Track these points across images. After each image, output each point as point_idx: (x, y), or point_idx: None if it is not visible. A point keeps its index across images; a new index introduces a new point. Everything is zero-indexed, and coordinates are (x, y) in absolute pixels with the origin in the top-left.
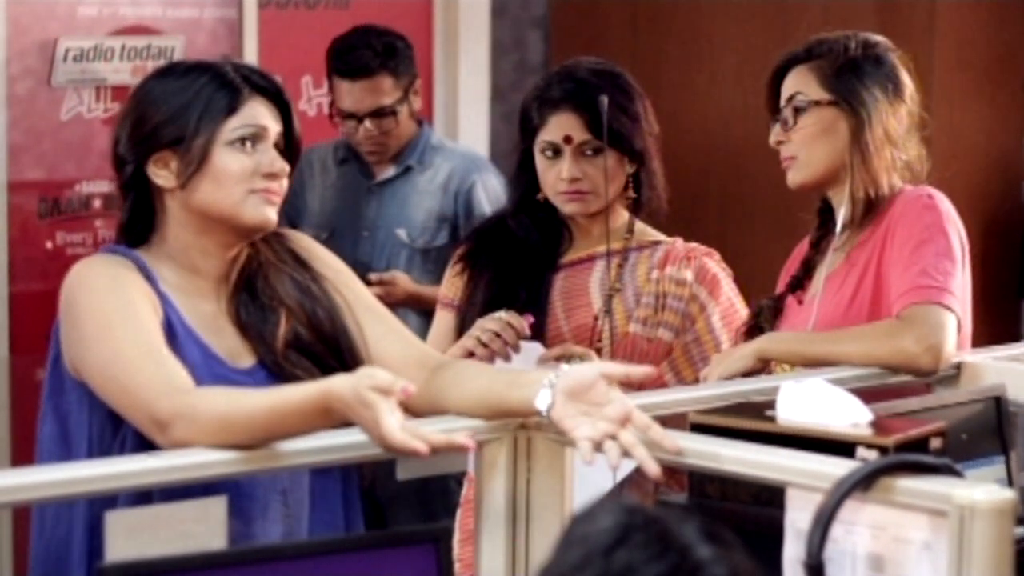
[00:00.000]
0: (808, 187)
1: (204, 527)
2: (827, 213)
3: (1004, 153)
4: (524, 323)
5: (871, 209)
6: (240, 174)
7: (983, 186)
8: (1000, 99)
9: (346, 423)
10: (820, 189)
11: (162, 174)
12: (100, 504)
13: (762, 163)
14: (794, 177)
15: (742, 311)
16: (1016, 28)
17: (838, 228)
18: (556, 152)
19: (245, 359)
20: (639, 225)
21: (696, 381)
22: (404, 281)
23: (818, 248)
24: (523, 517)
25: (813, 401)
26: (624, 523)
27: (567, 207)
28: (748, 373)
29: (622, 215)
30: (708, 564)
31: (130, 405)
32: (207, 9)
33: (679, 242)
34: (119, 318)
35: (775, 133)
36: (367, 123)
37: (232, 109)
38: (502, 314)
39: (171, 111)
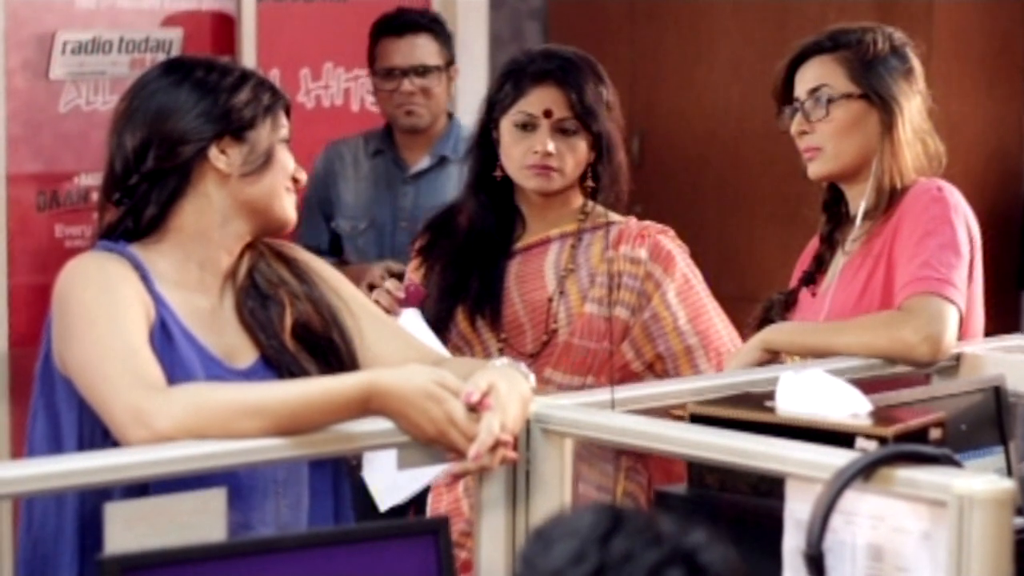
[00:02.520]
0: (830, 179)
1: (203, 519)
2: (834, 206)
3: (1003, 144)
4: (400, 288)
5: (890, 200)
6: (288, 171)
7: (982, 177)
8: (998, 90)
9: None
10: (839, 182)
11: (223, 159)
12: (92, 500)
13: (760, 154)
14: (818, 169)
15: (698, 286)
16: (1013, 19)
17: (859, 220)
18: (530, 125)
19: (244, 358)
20: (594, 206)
21: (657, 358)
22: None
23: (829, 242)
24: (523, 508)
25: (812, 392)
26: (610, 515)
27: (531, 182)
28: (760, 365)
29: (577, 198)
30: (702, 548)
31: (99, 399)
32: (205, 2)
33: (633, 221)
34: (104, 315)
35: (797, 123)
36: (410, 78)
37: (279, 108)
38: (387, 284)
39: (242, 99)
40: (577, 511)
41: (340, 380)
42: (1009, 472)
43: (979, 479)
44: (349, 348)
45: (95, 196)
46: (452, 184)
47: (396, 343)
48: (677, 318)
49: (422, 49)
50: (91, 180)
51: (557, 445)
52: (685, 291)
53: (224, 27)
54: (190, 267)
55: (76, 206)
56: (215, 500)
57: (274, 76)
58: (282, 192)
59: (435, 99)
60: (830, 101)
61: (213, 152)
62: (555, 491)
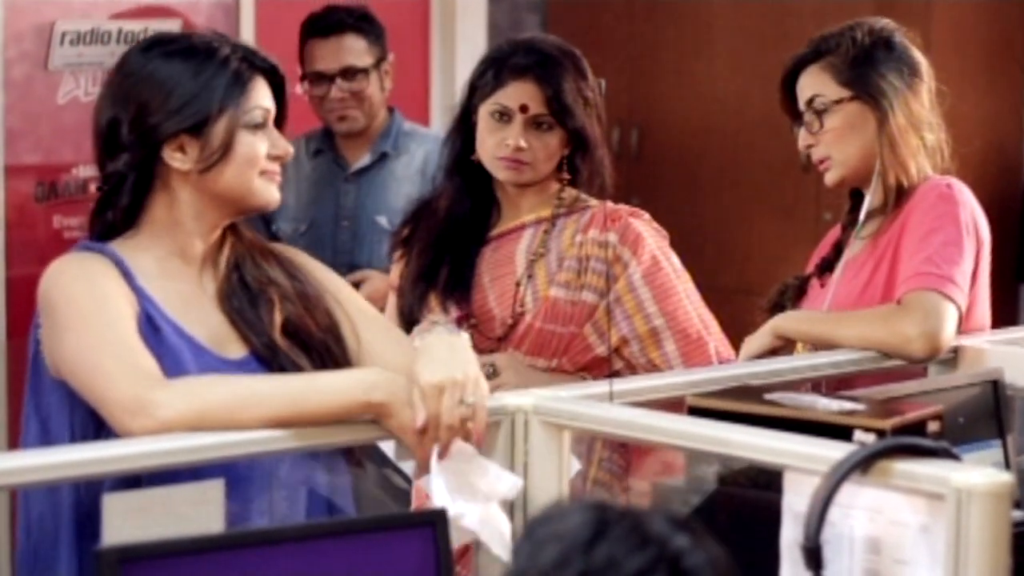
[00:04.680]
0: (848, 184)
1: (202, 510)
2: (859, 196)
3: (1002, 139)
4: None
5: (899, 196)
6: (257, 158)
7: (982, 171)
8: (998, 85)
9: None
10: (856, 185)
11: (178, 157)
12: (87, 492)
13: (757, 146)
14: (832, 178)
15: (668, 268)
16: (1013, 14)
17: (862, 216)
18: (505, 116)
19: (235, 349)
20: (570, 191)
21: (622, 341)
22: (379, 278)
23: (850, 231)
24: (520, 499)
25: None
26: (598, 518)
27: (501, 173)
28: (773, 351)
29: (553, 184)
30: (686, 553)
31: (97, 392)
32: None
33: (606, 205)
34: (93, 310)
35: (802, 138)
36: (338, 82)
37: (245, 92)
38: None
39: (186, 95)
40: (568, 509)
41: (342, 371)
42: (1007, 465)
43: (977, 472)
44: (343, 349)
45: (94, 187)
46: (394, 180)
47: (392, 344)
48: (642, 299)
49: (349, 50)
50: (90, 171)
51: (556, 437)
52: (652, 272)
53: (223, 18)
54: (172, 259)
55: (74, 197)
56: (213, 491)
57: None
58: (251, 179)
59: (368, 100)
60: (822, 111)
61: (167, 153)
62: (553, 483)
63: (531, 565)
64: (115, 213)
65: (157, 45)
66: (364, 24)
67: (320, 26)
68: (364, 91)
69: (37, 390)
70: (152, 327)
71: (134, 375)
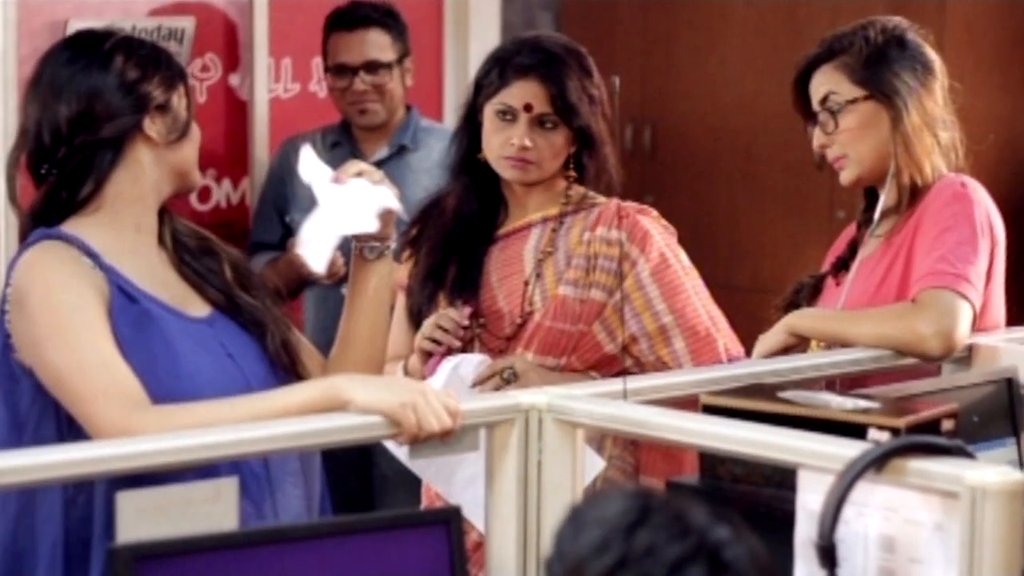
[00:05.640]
0: (863, 182)
1: (216, 508)
2: (874, 194)
3: (1015, 136)
4: (463, 314)
5: (913, 195)
6: (199, 137)
7: (994, 167)
8: (1011, 83)
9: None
10: (872, 184)
11: (154, 128)
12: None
13: (771, 144)
14: (847, 176)
15: (677, 265)
16: None
17: (876, 214)
18: (509, 115)
19: (199, 307)
20: (577, 189)
21: (631, 339)
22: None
23: (865, 229)
24: (534, 498)
25: None
26: (640, 505)
27: (507, 172)
28: (787, 349)
29: (560, 182)
30: (726, 544)
31: (84, 413)
32: None
33: (614, 202)
34: (73, 323)
35: (817, 137)
36: (361, 75)
37: (184, 75)
38: (445, 311)
39: (163, 72)
40: (612, 495)
41: (304, 392)
42: (1021, 464)
43: (992, 471)
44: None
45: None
46: (412, 173)
47: (309, 356)
48: (650, 297)
49: (373, 44)
50: None
51: (569, 435)
52: (661, 270)
53: (237, 15)
54: (127, 233)
55: None
56: (227, 489)
57: (286, 65)
58: (196, 157)
59: (389, 95)
60: (836, 111)
61: (147, 123)
62: (567, 481)
63: (572, 548)
64: (73, 194)
65: (94, 38)
66: (389, 20)
67: (345, 19)
68: (386, 85)
69: (6, 377)
70: (127, 297)
71: (119, 400)
